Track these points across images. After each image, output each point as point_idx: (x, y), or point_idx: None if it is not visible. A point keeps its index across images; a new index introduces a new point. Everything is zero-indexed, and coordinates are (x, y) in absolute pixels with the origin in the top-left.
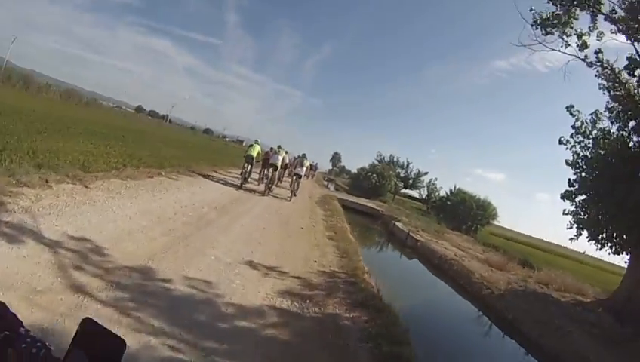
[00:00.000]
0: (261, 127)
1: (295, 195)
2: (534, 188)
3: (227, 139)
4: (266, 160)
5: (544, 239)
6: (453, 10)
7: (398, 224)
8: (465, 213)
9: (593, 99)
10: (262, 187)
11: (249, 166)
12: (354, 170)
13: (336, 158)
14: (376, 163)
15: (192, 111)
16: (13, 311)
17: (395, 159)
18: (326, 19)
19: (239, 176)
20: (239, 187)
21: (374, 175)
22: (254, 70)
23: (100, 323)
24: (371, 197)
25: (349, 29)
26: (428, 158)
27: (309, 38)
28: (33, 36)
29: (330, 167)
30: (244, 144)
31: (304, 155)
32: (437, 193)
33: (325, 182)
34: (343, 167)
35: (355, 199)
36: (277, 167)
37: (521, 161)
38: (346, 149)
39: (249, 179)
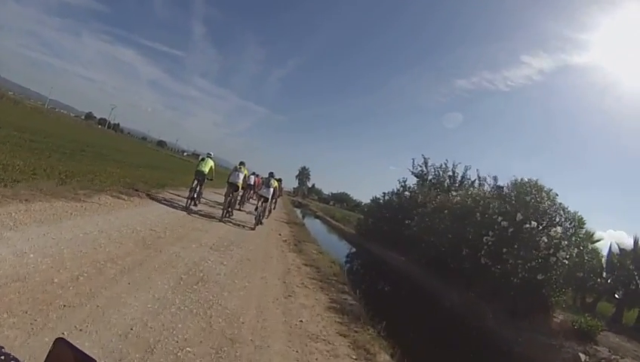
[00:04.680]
0: (222, 142)
1: (262, 223)
2: None
3: (185, 153)
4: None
5: None
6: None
7: None
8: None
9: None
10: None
11: (198, 184)
12: (325, 191)
13: (303, 175)
14: (412, 173)
15: (149, 121)
16: None
17: (443, 166)
18: (290, 35)
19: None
20: (188, 211)
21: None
22: (217, 84)
23: (74, 343)
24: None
25: (313, 45)
26: (387, 174)
27: (274, 53)
28: None
29: (297, 185)
30: (200, 158)
31: (272, 174)
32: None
33: (296, 210)
34: (313, 185)
35: None
36: (238, 187)
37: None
38: (312, 166)
39: (201, 200)
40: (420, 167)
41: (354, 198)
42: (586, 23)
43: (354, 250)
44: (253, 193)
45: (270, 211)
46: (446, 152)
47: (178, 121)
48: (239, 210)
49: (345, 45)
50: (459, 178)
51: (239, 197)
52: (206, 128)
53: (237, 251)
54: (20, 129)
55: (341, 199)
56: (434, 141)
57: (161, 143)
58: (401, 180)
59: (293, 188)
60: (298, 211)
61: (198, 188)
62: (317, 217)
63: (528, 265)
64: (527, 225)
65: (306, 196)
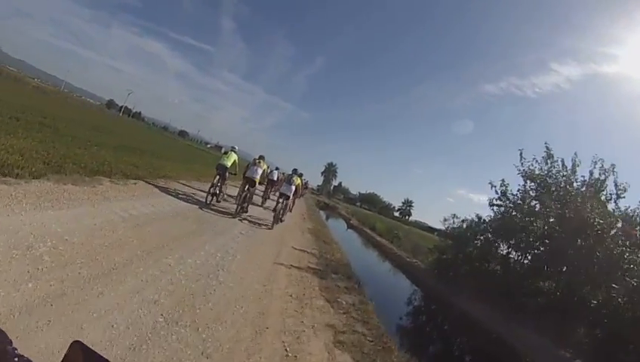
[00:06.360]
0: (248, 136)
1: (282, 220)
2: None
3: (209, 145)
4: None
5: None
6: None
7: None
8: None
9: None
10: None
11: (220, 178)
12: (351, 190)
13: (329, 172)
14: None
15: (175, 112)
16: (0, 328)
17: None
18: (320, 34)
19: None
20: (205, 205)
21: None
22: (245, 79)
23: (90, 346)
24: None
25: (341, 45)
26: (411, 177)
27: (303, 51)
28: (27, 26)
29: (322, 182)
30: (222, 151)
31: (295, 171)
32: None
33: (322, 213)
34: (339, 183)
35: None
36: (255, 183)
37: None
38: (337, 164)
39: (223, 195)
40: (539, 163)
41: (383, 199)
42: (615, 37)
43: (421, 297)
44: (277, 189)
45: (290, 210)
46: (469, 157)
47: (205, 114)
48: (261, 205)
49: (372, 49)
50: (598, 184)
51: (262, 193)
52: (233, 122)
53: None
54: None
55: (369, 200)
56: (457, 145)
57: (182, 133)
58: (496, 185)
59: (317, 186)
60: (322, 214)
61: (219, 182)
62: (350, 226)
63: None
64: None
65: (331, 195)
